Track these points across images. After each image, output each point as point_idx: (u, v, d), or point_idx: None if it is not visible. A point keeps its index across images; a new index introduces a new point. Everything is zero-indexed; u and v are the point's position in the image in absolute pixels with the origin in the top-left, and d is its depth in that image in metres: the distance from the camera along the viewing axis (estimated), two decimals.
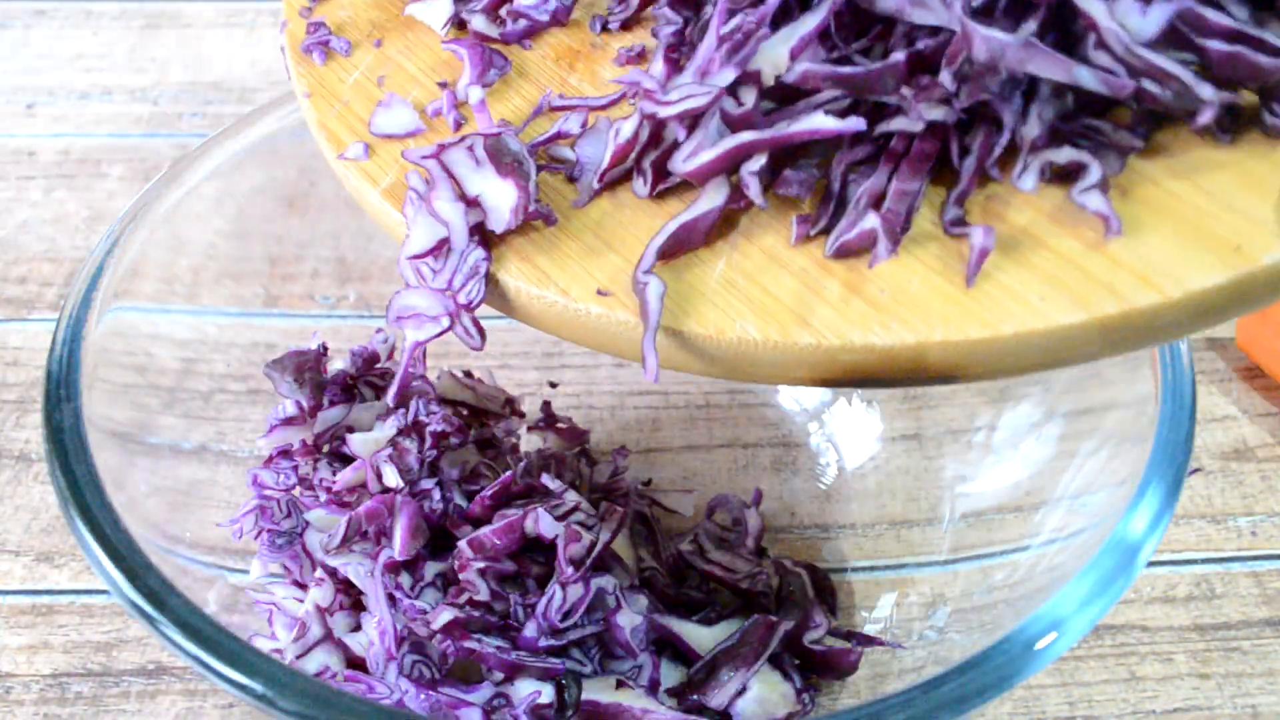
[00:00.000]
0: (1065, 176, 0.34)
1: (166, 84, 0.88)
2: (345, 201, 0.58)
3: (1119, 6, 0.32)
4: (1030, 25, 0.33)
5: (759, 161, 0.34)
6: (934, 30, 0.34)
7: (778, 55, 0.34)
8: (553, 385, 0.62)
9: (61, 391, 0.43)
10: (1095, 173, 0.33)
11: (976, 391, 0.59)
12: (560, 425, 0.60)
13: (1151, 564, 0.58)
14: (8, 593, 0.57)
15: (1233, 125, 0.33)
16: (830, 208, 0.34)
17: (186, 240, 0.53)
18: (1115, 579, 0.38)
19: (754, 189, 0.34)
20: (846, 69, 0.34)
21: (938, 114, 0.33)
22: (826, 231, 0.34)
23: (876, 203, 0.34)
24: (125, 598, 0.38)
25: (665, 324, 0.33)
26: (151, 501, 0.45)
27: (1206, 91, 0.32)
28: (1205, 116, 0.32)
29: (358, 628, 0.48)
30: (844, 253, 0.34)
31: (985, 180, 0.34)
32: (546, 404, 0.60)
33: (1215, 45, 0.32)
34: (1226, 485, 0.62)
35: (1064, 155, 0.33)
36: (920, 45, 0.34)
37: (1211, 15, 0.32)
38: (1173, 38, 0.32)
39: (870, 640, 0.50)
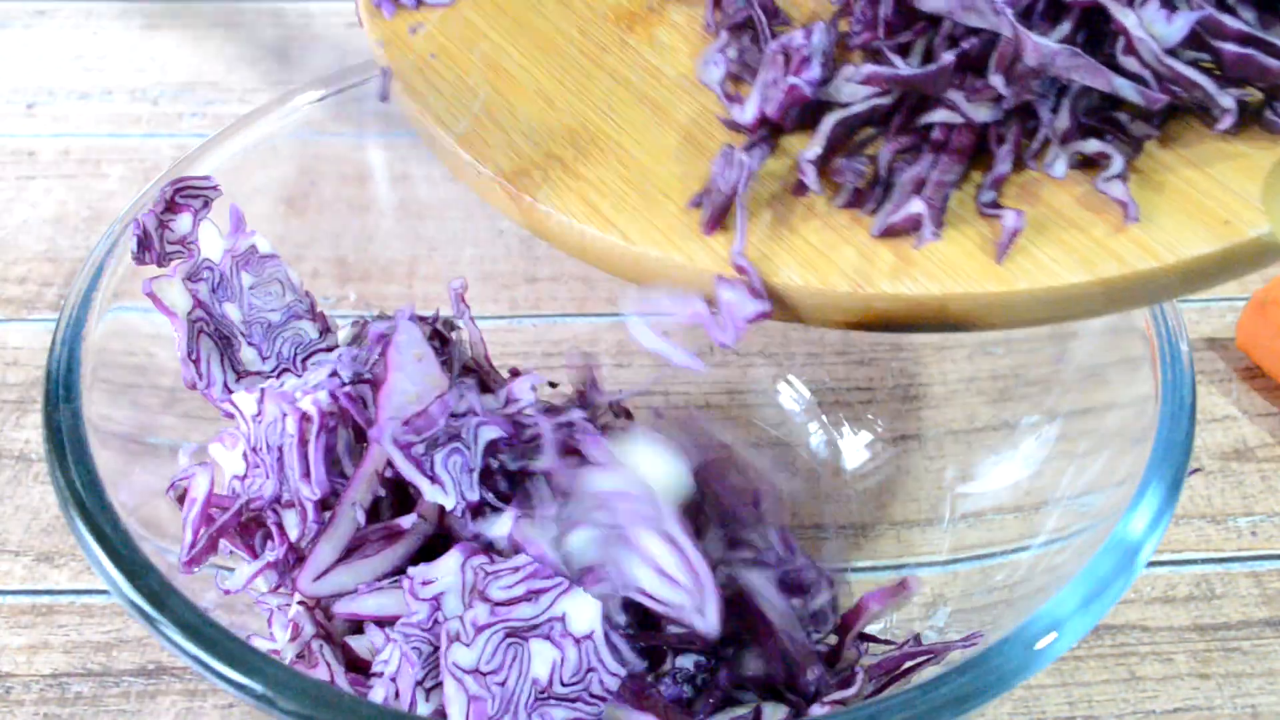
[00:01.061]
0: (1087, 163, 0.37)
1: (166, 84, 0.88)
2: (345, 201, 0.58)
3: (1146, 13, 0.35)
4: (1065, 27, 0.36)
5: (815, 150, 0.38)
6: (976, 30, 0.37)
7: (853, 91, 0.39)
8: (552, 385, 0.62)
9: (61, 391, 0.43)
10: (1118, 163, 0.36)
11: (976, 391, 0.59)
12: None
13: (1151, 564, 0.58)
14: (8, 593, 0.57)
15: (1240, 120, 0.36)
16: (877, 191, 0.38)
17: None
18: (1115, 579, 0.38)
19: (810, 176, 0.38)
20: (907, 71, 0.37)
21: (985, 114, 0.37)
22: (873, 212, 0.38)
23: (918, 188, 0.37)
24: (125, 598, 0.38)
25: (713, 269, 0.37)
26: (151, 501, 0.45)
27: (1228, 100, 0.36)
28: (1225, 123, 0.36)
29: (359, 629, 0.48)
30: (890, 233, 0.37)
31: (1018, 166, 0.38)
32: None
33: (1229, 48, 0.35)
34: (1226, 485, 0.62)
35: (1092, 147, 0.37)
36: (965, 46, 0.37)
37: (1227, 20, 0.35)
38: (1190, 40, 0.35)
39: (870, 640, 0.50)
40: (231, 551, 0.47)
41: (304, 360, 0.52)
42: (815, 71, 0.38)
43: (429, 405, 0.44)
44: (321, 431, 0.44)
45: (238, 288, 0.50)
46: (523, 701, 0.40)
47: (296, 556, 0.45)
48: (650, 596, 0.41)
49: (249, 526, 0.46)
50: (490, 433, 0.45)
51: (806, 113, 0.39)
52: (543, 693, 0.40)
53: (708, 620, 0.40)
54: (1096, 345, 0.51)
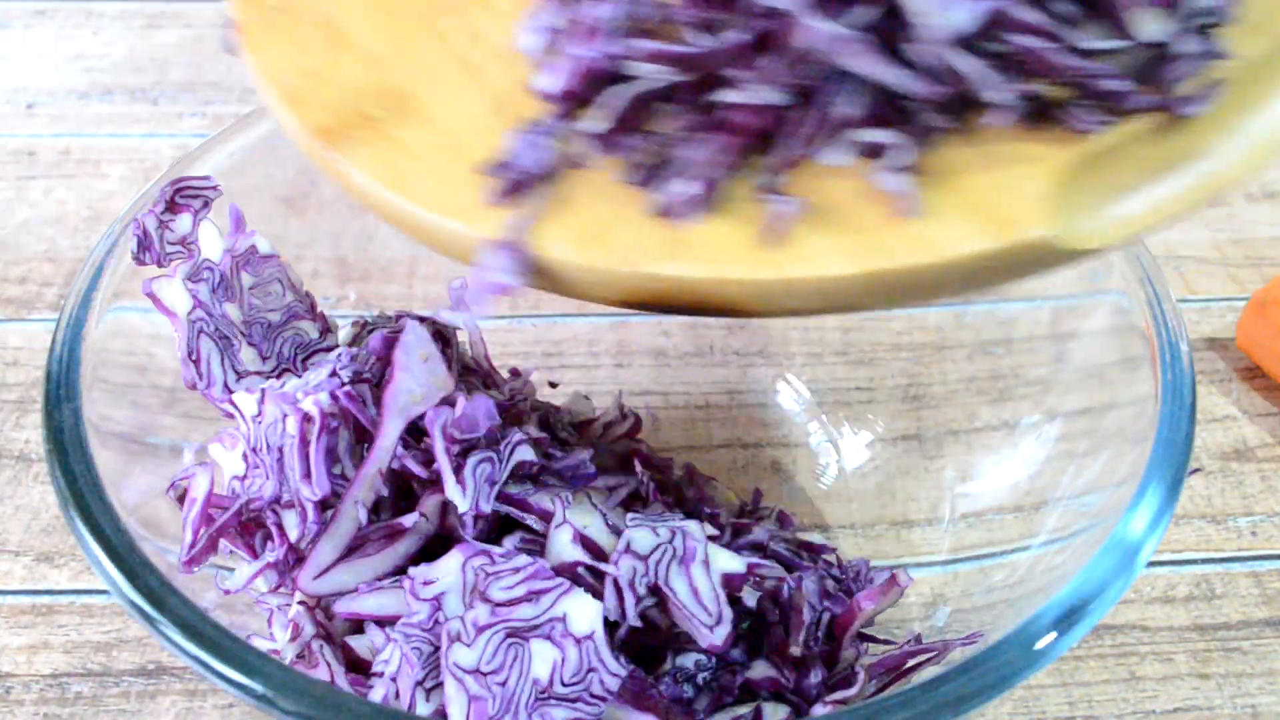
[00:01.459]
0: (877, 152, 0.36)
1: (166, 84, 0.88)
2: (346, 201, 0.58)
3: (939, 1, 0.34)
4: (863, 13, 0.35)
5: (602, 125, 0.37)
6: (772, 11, 0.36)
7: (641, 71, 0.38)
8: (553, 385, 0.62)
9: (61, 391, 0.43)
10: (899, 154, 0.35)
11: (976, 391, 0.59)
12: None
13: (1151, 564, 0.58)
14: (8, 593, 0.57)
15: (1040, 117, 0.35)
16: (659, 169, 0.37)
17: None
18: (1115, 579, 0.38)
19: (595, 149, 0.38)
20: (689, 49, 0.37)
21: (774, 96, 0.36)
22: (653, 189, 0.37)
23: (699, 168, 0.36)
24: (125, 598, 0.38)
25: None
26: (151, 501, 0.45)
27: (1000, 96, 0.34)
28: (999, 119, 0.35)
29: (359, 629, 0.48)
30: (666, 212, 0.36)
31: (805, 152, 0.37)
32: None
33: (1021, 41, 0.34)
34: (1226, 485, 0.62)
35: (874, 135, 0.35)
36: (761, 25, 0.36)
37: (1021, 13, 0.34)
38: (984, 32, 0.34)
39: (870, 640, 0.50)
40: (231, 551, 0.47)
41: (304, 360, 0.52)
42: (610, 45, 0.38)
43: (475, 410, 0.44)
44: (323, 432, 0.44)
45: (238, 288, 0.50)
46: (523, 701, 0.40)
47: (296, 557, 0.45)
48: (677, 598, 0.42)
49: (249, 526, 0.46)
50: (525, 453, 0.45)
51: (606, 85, 0.39)
52: (543, 693, 0.40)
53: (715, 635, 0.42)
54: (1096, 345, 0.51)
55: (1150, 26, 0.34)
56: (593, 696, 0.40)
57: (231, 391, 0.49)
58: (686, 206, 0.36)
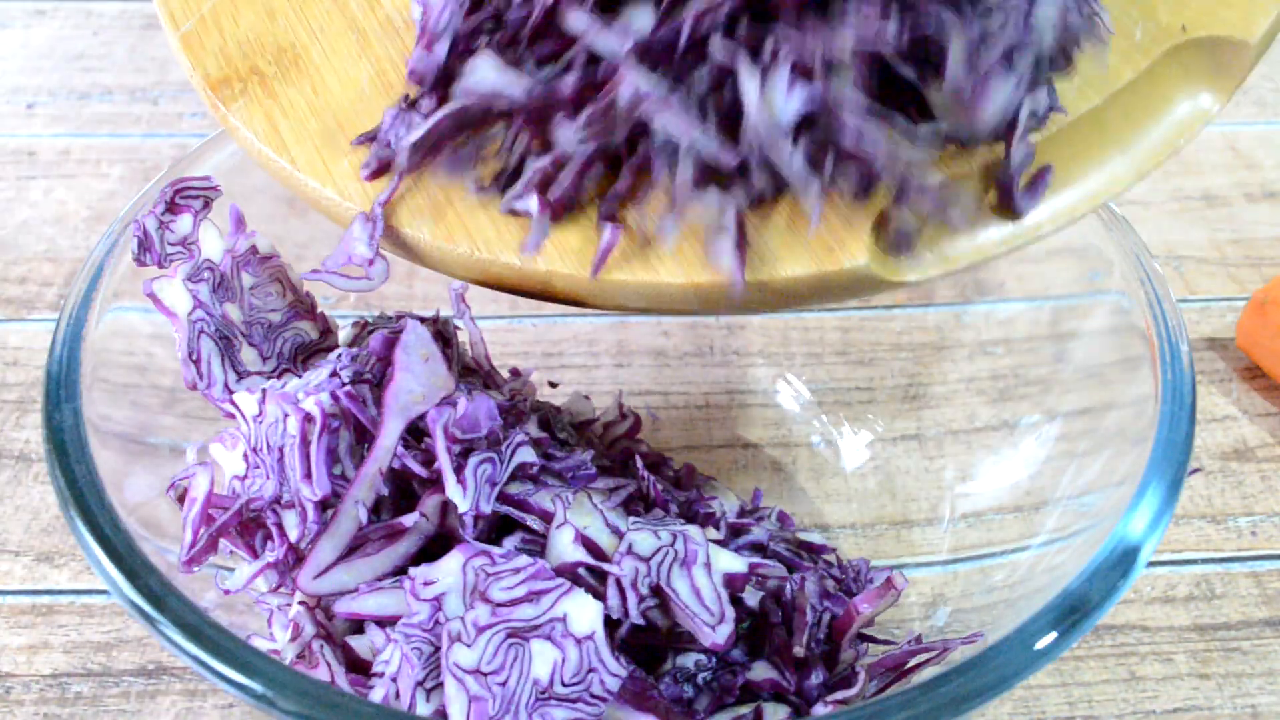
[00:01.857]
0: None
1: (166, 84, 0.88)
2: None
3: (772, 82, 0.35)
4: (700, 77, 0.36)
5: (418, 134, 0.39)
6: (598, 58, 0.37)
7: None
8: (553, 385, 0.62)
9: (61, 391, 0.43)
10: (725, 214, 0.37)
11: (976, 391, 0.59)
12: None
13: (1151, 564, 0.58)
14: (8, 593, 0.57)
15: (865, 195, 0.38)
16: (506, 176, 0.39)
17: None
18: (1115, 579, 0.38)
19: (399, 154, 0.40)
20: (514, 99, 0.38)
21: (588, 147, 0.37)
22: (505, 191, 0.39)
23: (544, 181, 0.38)
24: (125, 598, 0.38)
25: (360, 208, 0.40)
26: (151, 501, 0.45)
27: (814, 189, 0.36)
28: (811, 225, 0.37)
29: (360, 629, 0.48)
30: (512, 213, 0.39)
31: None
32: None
33: (850, 125, 0.35)
34: (1226, 485, 0.62)
35: (706, 200, 0.37)
36: (588, 74, 0.37)
37: (843, 113, 0.35)
38: (814, 119, 0.36)
39: (871, 640, 0.50)
40: (231, 551, 0.47)
41: (304, 360, 0.52)
42: (439, 53, 0.39)
43: (477, 410, 0.44)
44: (323, 432, 0.44)
45: (238, 288, 0.50)
46: (523, 702, 0.40)
47: (296, 557, 0.45)
48: (679, 598, 0.42)
49: (249, 526, 0.46)
50: (526, 454, 0.45)
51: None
52: (543, 693, 0.40)
53: (718, 634, 0.42)
54: (1096, 345, 0.51)
55: (988, 128, 0.36)
56: (593, 697, 0.40)
57: (232, 392, 0.49)
58: (536, 222, 0.38)
